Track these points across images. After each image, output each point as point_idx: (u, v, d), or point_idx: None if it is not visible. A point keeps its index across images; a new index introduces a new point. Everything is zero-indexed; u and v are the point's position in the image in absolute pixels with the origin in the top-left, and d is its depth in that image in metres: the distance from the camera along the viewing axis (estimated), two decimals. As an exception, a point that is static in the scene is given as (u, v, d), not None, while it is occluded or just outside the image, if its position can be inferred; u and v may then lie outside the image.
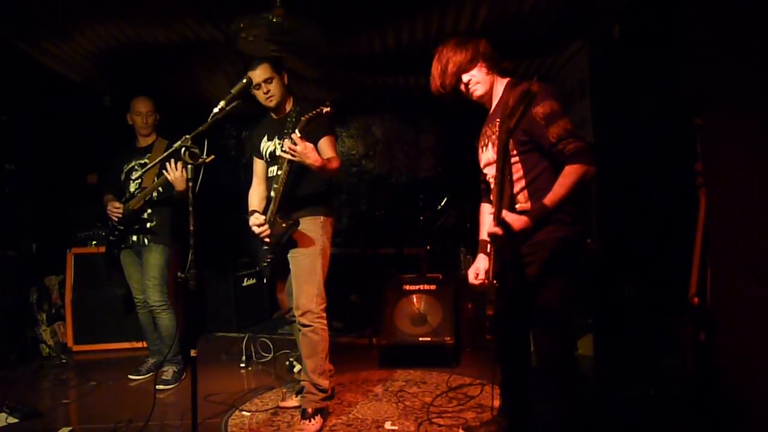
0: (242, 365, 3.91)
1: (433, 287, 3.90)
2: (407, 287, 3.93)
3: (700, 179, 2.53)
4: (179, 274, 2.26)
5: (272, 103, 2.79)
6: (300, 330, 2.76)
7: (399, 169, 6.42)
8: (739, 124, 2.35)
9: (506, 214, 1.82)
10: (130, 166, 3.61)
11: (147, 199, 3.48)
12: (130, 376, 3.67)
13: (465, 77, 2.15)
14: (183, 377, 3.57)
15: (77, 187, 4.79)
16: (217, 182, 5.75)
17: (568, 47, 4.41)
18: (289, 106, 2.86)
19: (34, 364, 4.05)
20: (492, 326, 2.10)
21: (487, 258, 2.19)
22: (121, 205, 3.47)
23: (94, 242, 4.41)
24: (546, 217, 1.91)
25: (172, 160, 3.13)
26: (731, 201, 2.40)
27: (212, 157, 2.34)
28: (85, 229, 4.47)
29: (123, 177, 3.63)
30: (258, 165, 2.98)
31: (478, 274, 2.18)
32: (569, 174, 1.90)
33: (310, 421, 2.69)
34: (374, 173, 6.46)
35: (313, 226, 2.76)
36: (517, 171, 2.06)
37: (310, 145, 2.52)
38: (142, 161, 3.59)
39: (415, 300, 3.90)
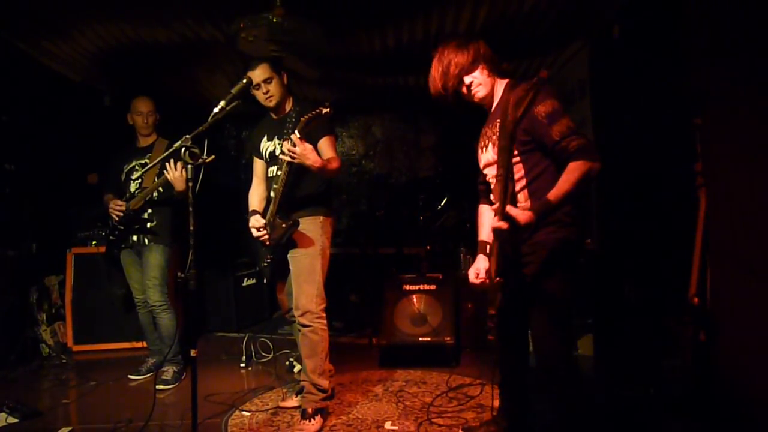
0: (242, 365, 3.91)
1: (433, 287, 3.90)
2: (407, 287, 3.93)
3: (700, 179, 2.53)
4: (179, 274, 2.26)
5: (272, 104, 2.79)
6: (300, 330, 2.76)
7: (399, 169, 6.42)
8: (739, 124, 2.35)
9: (510, 209, 1.82)
10: (131, 166, 3.62)
11: (147, 199, 3.48)
12: (130, 376, 3.67)
13: (467, 79, 2.14)
14: (183, 377, 3.57)
15: (77, 187, 4.79)
16: (217, 182, 5.74)
17: (568, 47, 4.41)
18: (288, 106, 2.86)
19: (34, 364, 4.06)
20: (494, 326, 2.09)
21: (486, 258, 2.19)
22: (124, 203, 3.47)
23: (94, 242, 4.41)
24: (550, 212, 1.90)
25: (172, 160, 3.13)
26: (731, 201, 2.40)
27: (212, 157, 2.34)
28: (85, 229, 4.47)
29: (123, 177, 3.63)
30: (258, 165, 2.98)
31: (478, 274, 2.18)
32: (573, 170, 1.90)
33: (310, 421, 2.69)
34: (374, 173, 6.46)
35: (312, 227, 2.76)
36: (518, 171, 2.06)
37: (310, 147, 2.52)
38: (143, 161, 3.59)
39: (415, 300, 3.90)
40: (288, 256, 2.77)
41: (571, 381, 2.12)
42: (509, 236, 1.87)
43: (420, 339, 3.79)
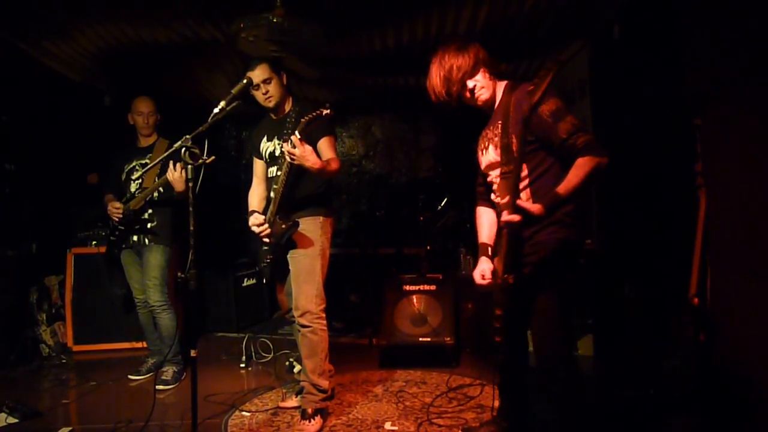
0: (242, 365, 3.91)
1: (433, 287, 3.90)
2: (407, 287, 3.93)
3: (699, 179, 2.54)
4: (179, 274, 2.26)
5: (271, 104, 2.78)
6: (299, 330, 2.76)
7: (399, 170, 6.42)
8: (739, 124, 2.35)
9: (521, 201, 1.82)
10: (131, 166, 3.62)
11: (148, 199, 3.48)
12: (130, 376, 3.67)
13: (470, 83, 2.13)
14: (183, 377, 3.57)
15: (77, 187, 4.79)
16: (217, 182, 5.75)
17: (568, 47, 4.41)
18: (288, 107, 2.86)
19: (34, 364, 4.06)
20: (501, 326, 2.07)
21: (489, 259, 2.19)
22: (121, 206, 3.47)
23: (94, 242, 4.41)
24: (559, 206, 1.91)
25: (173, 162, 3.13)
26: (731, 201, 2.40)
27: (213, 158, 2.34)
28: (85, 229, 4.47)
29: (124, 177, 3.63)
30: (258, 165, 2.98)
31: (484, 276, 2.17)
32: (582, 165, 1.90)
33: (309, 421, 2.69)
34: (374, 173, 6.46)
35: (312, 227, 2.75)
36: (522, 170, 2.06)
37: (309, 148, 2.51)
38: (143, 161, 3.59)
39: (415, 300, 3.90)
40: (288, 256, 2.76)
41: (571, 381, 2.12)
42: (519, 230, 1.87)
43: (420, 339, 3.79)
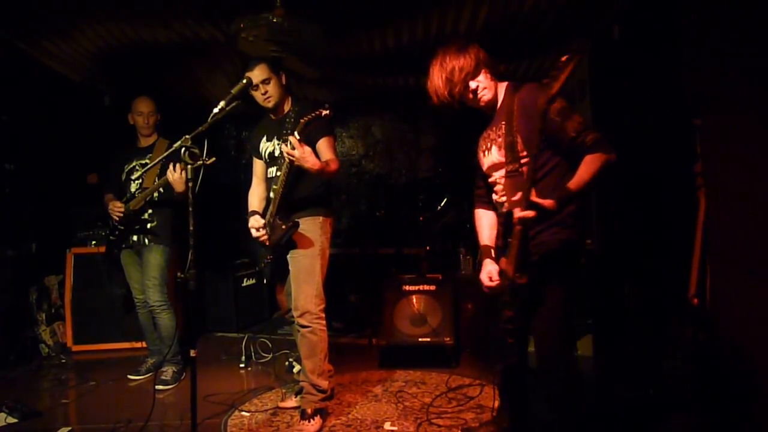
0: (242, 365, 3.91)
1: (432, 288, 3.90)
2: (407, 287, 3.93)
3: (699, 180, 2.54)
4: (179, 274, 2.26)
5: (270, 104, 2.78)
6: (299, 331, 2.76)
7: (399, 170, 6.42)
8: (738, 124, 2.35)
9: (534, 197, 1.82)
10: (131, 166, 3.62)
11: (148, 199, 3.48)
12: (130, 376, 3.67)
13: (473, 84, 2.12)
14: (182, 377, 3.57)
15: (77, 187, 4.79)
16: (217, 182, 5.75)
17: (560, 49, 4.41)
18: (287, 107, 2.85)
19: (33, 364, 4.05)
20: (512, 328, 2.06)
21: (493, 261, 2.18)
22: (122, 205, 3.47)
23: (94, 242, 4.41)
24: (570, 201, 1.91)
25: (175, 163, 3.12)
26: (731, 201, 2.40)
27: (213, 159, 2.34)
28: (85, 229, 4.47)
29: (124, 177, 3.63)
30: (257, 166, 2.98)
31: (491, 277, 2.15)
32: (592, 161, 1.91)
33: (309, 421, 2.69)
34: (374, 173, 6.45)
35: (312, 227, 2.75)
36: (526, 171, 2.05)
37: (308, 149, 2.51)
38: (143, 161, 3.59)
39: (414, 300, 3.90)
40: (287, 256, 2.76)
41: (571, 381, 2.12)
42: (532, 227, 1.87)
43: (420, 339, 3.79)
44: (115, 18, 3.66)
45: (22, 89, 4.27)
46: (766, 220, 2.16)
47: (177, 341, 3.56)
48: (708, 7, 2.55)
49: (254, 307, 5.41)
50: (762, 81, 2.16)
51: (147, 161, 3.56)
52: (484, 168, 2.25)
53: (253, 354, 4.06)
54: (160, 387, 3.38)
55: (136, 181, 3.58)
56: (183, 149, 2.25)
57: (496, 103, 2.20)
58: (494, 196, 2.24)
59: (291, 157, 2.49)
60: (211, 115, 2.34)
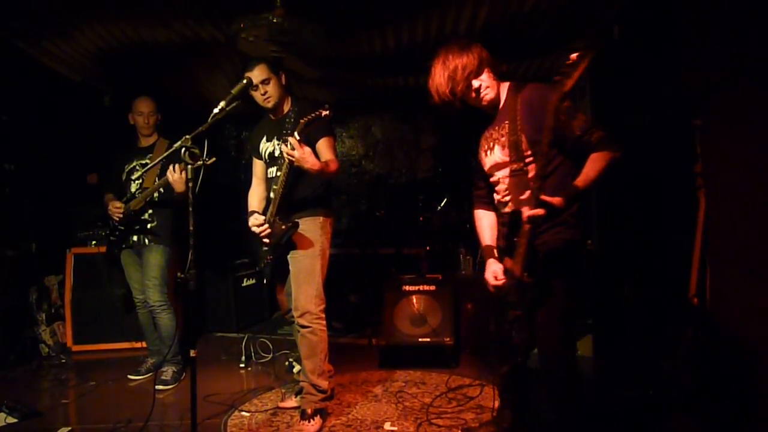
0: (242, 365, 3.91)
1: (432, 288, 3.90)
2: (407, 288, 3.93)
3: (699, 180, 2.54)
4: (179, 274, 2.26)
5: (269, 104, 2.78)
6: (299, 331, 2.76)
7: (399, 170, 6.42)
8: (738, 124, 2.35)
9: (543, 196, 1.82)
10: (132, 166, 3.62)
11: (148, 199, 3.48)
12: (130, 376, 3.67)
13: (476, 83, 2.11)
14: (182, 377, 3.57)
15: (77, 187, 4.79)
16: (217, 182, 5.75)
17: (568, 48, 4.41)
18: (287, 107, 2.85)
19: (33, 364, 4.05)
20: (520, 328, 2.05)
21: (497, 261, 2.18)
22: (122, 205, 3.47)
23: (94, 242, 4.41)
24: (577, 199, 1.92)
25: (175, 164, 3.12)
26: (731, 201, 2.40)
27: (213, 159, 2.34)
28: (85, 229, 4.47)
29: (124, 177, 3.63)
30: (257, 166, 2.98)
31: (497, 276, 2.15)
32: (598, 159, 1.92)
33: (309, 421, 2.69)
34: (374, 173, 6.45)
35: (312, 227, 2.75)
36: (531, 170, 2.05)
37: (308, 150, 2.50)
38: (144, 161, 3.59)
39: (414, 300, 3.90)
40: (288, 256, 2.76)
41: (573, 381, 2.11)
42: (540, 225, 1.87)
43: (419, 340, 3.79)
44: (116, 18, 3.65)
45: (22, 89, 4.27)
46: (766, 220, 2.16)
47: (177, 341, 3.56)
48: (708, 7, 2.55)
49: (254, 307, 5.41)
50: (762, 81, 2.16)
51: (147, 161, 3.56)
52: (486, 168, 2.25)
53: (253, 354, 4.06)
54: (160, 387, 3.38)
55: (137, 181, 3.58)
56: (183, 149, 2.25)
57: (499, 103, 2.19)
58: (496, 196, 2.24)
59: (291, 158, 2.49)
60: (212, 115, 2.34)
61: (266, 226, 2.70)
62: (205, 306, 5.11)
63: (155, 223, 3.54)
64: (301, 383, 2.83)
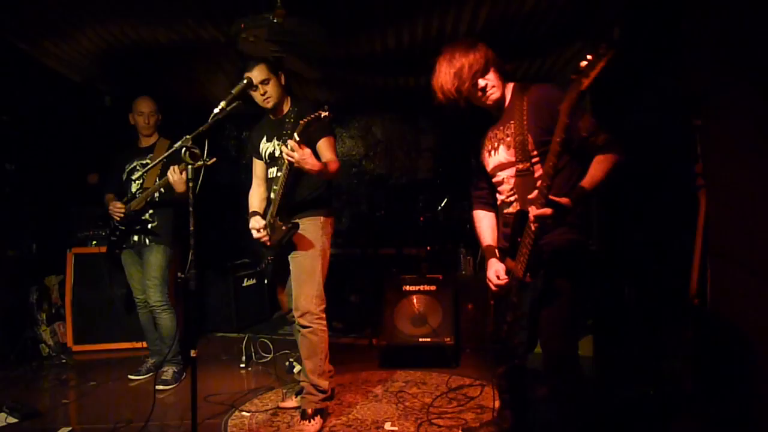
0: (242, 365, 3.91)
1: (433, 288, 3.90)
2: (407, 288, 3.93)
3: (700, 180, 2.54)
4: (179, 274, 2.26)
5: (269, 105, 2.78)
6: (299, 331, 2.76)
7: (399, 170, 6.42)
8: (739, 124, 2.35)
9: (552, 196, 1.82)
10: (132, 166, 3.62)
11: (148, 199, 3.48)
12: (130, 376, 3.67)
13: (482, 82, 2.10)
14: (183, 377, 3.57)
15: (77, 187, 4.79)
16: (217, 182, 5.75)
17: (568, 48, 4.41)
18: (287, 107, 2.85)
19: (33, 363, 4.05)
20: (522, 329, 2.05)
21: (499, 260, 2.18)
22: (123, 205, 3.47)
23: (94, 242, 4.41)
24: (584, 199, 1.92)
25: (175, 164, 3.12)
26: (731, 202, 2.41)
27: (214, 159, 2.34)
28: (85, 229, 4.47)
29: (125, 177, 3.63)
30: (258, 166, 2.98)
31: (499, 276, 2.15)
32: (604, 160, 1.93)
33: (309, 421, 2.69)
34: (374, 174, 6.46)
35: (313, 227, 2.75)
36: (537, 170, 2.05)
37: (308, 151, 2.50)
38: (144, 161, 3.59)
39: (415, 300, 3.90)
40: (288, 256, 2.77)
41: (576, 381, 2.11)
42: (552, 222, 1.87)
43: (420, 340, 3.79)
44: (116, 18, 3.66)
45: (22, 89, 4.27)
46: (766, 220, 2.16)
47: (177, 341, 3.56)
48: (708, 7, 2.56)
49: (254, 307, 5.41)
50: (762, 81, 2.16)
51: (148, 161, 3.56)
52: (489, 168, 2.24)
53: (253, 354, 4.07)
54: (161, 387, 3.38)
55: (137, 181, 3.58)
56: (184, 149, 2.25)
57: (504, 103, 2.19)
58: (499, 197, 2.23)
59: (291, 159, 2.49)
60: (212, 115, 2.34)
61: (265, 233, 2.70)
62: (206, 306, 5.11)
63: (156, 223, 3.54)
64: (302, 383, 2.84)
